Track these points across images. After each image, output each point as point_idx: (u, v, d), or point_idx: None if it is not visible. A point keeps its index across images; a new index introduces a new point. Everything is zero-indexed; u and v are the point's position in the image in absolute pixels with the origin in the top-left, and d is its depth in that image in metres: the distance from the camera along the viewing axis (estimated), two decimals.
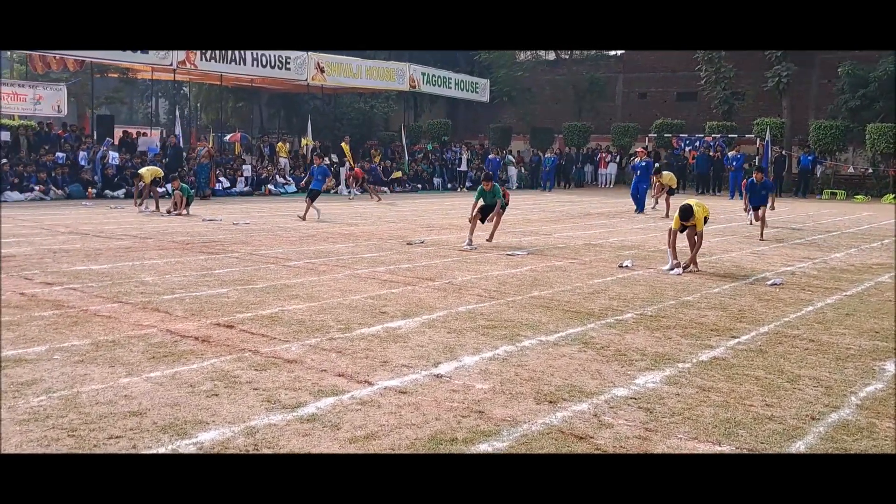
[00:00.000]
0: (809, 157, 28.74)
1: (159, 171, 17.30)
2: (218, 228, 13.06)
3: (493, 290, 7.81)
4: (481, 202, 11.76)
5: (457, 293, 7.62)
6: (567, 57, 39.41)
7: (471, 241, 11.39)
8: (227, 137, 32.05)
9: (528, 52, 41.51)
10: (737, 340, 5.95)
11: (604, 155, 34.34)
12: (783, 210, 20.93)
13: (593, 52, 40.29)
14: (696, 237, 9.48)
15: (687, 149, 31.40)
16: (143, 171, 16.85)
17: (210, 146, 22.54)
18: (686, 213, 9.34)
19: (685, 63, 36.89)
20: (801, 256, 11.11)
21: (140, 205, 16.28)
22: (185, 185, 16.06)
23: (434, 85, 32.32)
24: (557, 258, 10.35)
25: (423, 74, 31.58)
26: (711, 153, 29.78)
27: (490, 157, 32.03)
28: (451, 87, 33.28)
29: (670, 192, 18.57)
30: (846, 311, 7.23)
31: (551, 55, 41.61)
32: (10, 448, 3.48)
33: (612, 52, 42.56)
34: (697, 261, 9.52)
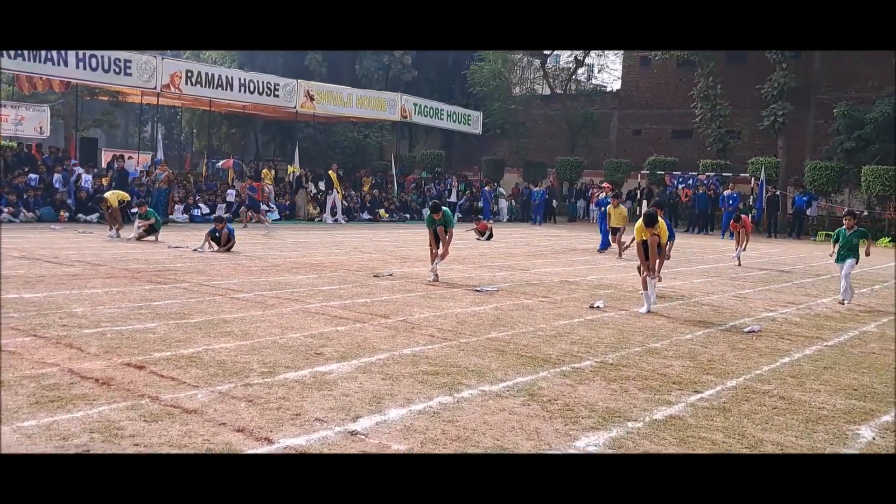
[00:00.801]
0: (804, 198, 28.32)
1: (125, 195, 16.73)
2: (180, 256, 12.54)
3: (449, 330, 7.28)
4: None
5: (408, 332, 7.08)
6: (561, 92, 39.23)
7: (436, 274, 10.89)
8: (220, 163, 31.70)
9: (523, 87, 41.38)
10: (699, 396, 5.41)
11: (595, 191, 33.93)
12: (774, 251, 20.45)
13: (589, 87, 40.19)
14: (659, 249, 9.01)
15: (680, 186, 31.00)
16: (107, 194, 16.32)
17: (169, 172, 21.91)
18: (651, 218, 8.87)
19: (681, 100, 36.69)
20: (786, 301, 10.58)
21: (111, 229, 15.74)
22: (151, 210, 15.51)
23: (426, 116, 32.03)
24: (528, 296, 9.83)
25: (415, 105, 31.31)
26: (705, 191, 29.37)
27: (485, 189, 31.70)
28: (443, 119, 33.00)
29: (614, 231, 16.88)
30: (825, 363, 6.69)
31: (546, 90, 41.45)
32: None
33: (608, 88, 42.48)
34: (662, 274, 9.39)
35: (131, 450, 3.80)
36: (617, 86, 42.21)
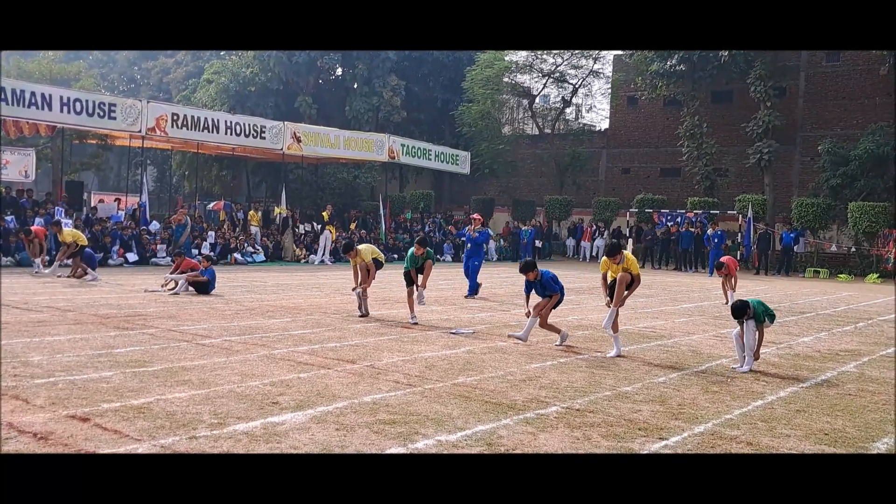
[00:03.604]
0: (791, 235, 28.32)
1: (82, 237, 16.07)
2: (154, 300, 12.36)
3: (415, 376, 7.10)
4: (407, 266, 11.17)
5: (372, 378, 6.91)
6: (550, 132, 39.46)
7: (414, 316, 10.78)
8: (211, 205, 31.68)
9: (512, 126, 41.63)
10: (664, 443, 5.23)
11: (588, 229, 33.90)
12: (761, 288, 20.33)
13: (577, 126, 40.43)
14: (628, 280, 8.71)
15: (668, 224, 31.00)
16: (66, 230, 16.12)
17: (184, 208, 22.32)
18: (614, 248, 8.72)
19: (668, 139, 36.95)
20: (766, 341, 10.38)
21: (37, 261, 15.81)
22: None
23: (414, 156, 32.11)
24: (502, 338, 9.66)
25: (403, 146, 31.41)
26: (692, 229, 29.36)
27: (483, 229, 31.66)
28: (431, 159, 33.08)
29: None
30: (798, 406, 6.52)
31: (534, 129, 41.71)
32: None
33: (597, 127, 42.75)
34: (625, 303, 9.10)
35: None
36: (605, 125, 42.52)
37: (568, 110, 40.20)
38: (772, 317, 8.27)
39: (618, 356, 8.53)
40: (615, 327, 8.71)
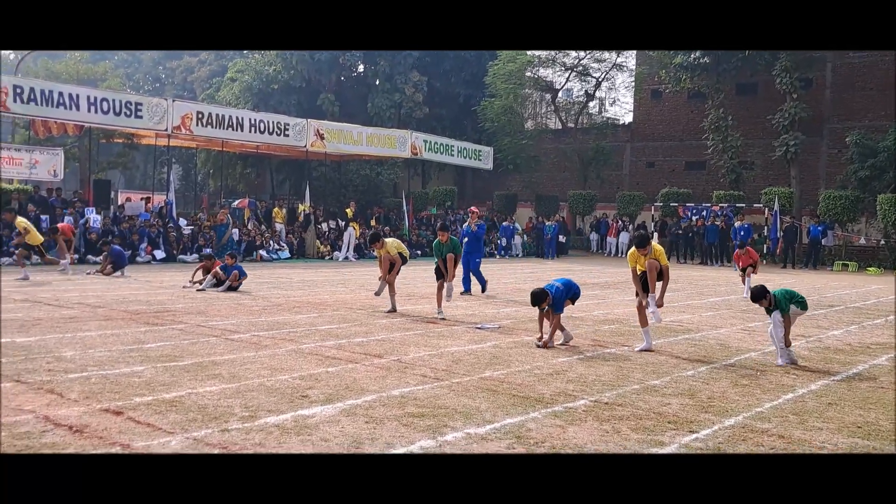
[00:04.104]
0: (819, 228, 27.97)
1: (37, 237, 15.35)
2: (183, 296, 12.49)
3: (442, 370, 7.12)
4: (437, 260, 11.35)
5: (399, 372, 6.93)
6: (573, 126, 39.27)
7: (441, 310, 10.84)
8: (236, 203, 31.93)
9: (535, 121, 41.51)
10: (694, 436, 5.20)
11: (613, 224, 33.70)
12: (788, 282, 20.11)
13: (600, 120, 40.20)
14: (658, 272, 8.61)
15: (693, 218, 30.76)
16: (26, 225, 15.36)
17: (226, 208, 22.80)
18: (643, 239, 8.60)
19: (693, 132, 36.63)
20: (795, 334, 10.29)
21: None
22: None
23: (436, 152, 32.14)
24: (529, 332, 9.65)
25: (426, 142, 31.44)
26: (718, 223, 29.11)
27: (504, 224, 31.67)
28: (453, 155, 33.09)
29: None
30: (830, 399, 6.45)
31: (557, 124, 41.54)
32: None
33: (620, 121, 42.48)
34: (664, 300, 8.78)
35: None
36: (629, 118, 42.25)
37: (591, 104, 40.01)
38: (801, 303, 8.14)
39: (646, 350, 8.49)
40: (643, 321, 8.66)
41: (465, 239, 14.43)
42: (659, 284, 8.63)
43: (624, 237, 32.75)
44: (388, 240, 11.71)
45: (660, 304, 8.66)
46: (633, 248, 8.67)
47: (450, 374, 6.97)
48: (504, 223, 32.03)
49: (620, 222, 33.60)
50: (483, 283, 14.67)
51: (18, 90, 19.48)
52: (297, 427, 5.08)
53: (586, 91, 39.06)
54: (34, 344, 7.68)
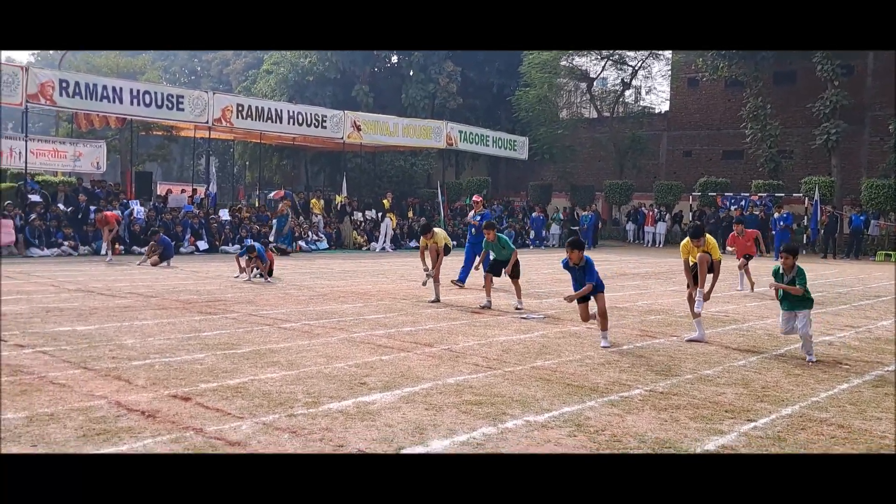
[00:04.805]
0: (861, 217, 27.51)
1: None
2: (231, 286, 12.72)
3: (493, 359, 7.20)
4: (492, 255, 11.32)
5: (452, 361, 7.02)
6: (609, 115, 39.01)
7: (489, 301, 10.88)
8: (272, 195, 32.28)
9: (570, 111, 41.30)
10: (753, 425, 5.22)
11: (650, 213, 33.45)
12: (830, 272, 19.86)
13: (636, 109, 39.87)
14: (709, 268, 8.55)
15: (732, 207, 30.43)
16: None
17: (287, 201, 23.34)
18: (698, 231, 8.54)
19: (731, 121, 36.21)
20: (844, 324, 10.23)
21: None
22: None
23: (472, 142, 32.15)
24: (575, 322, 9.67)
25: (461, 132, 31.47)
26: (757, 212, 28.77)
27: (534, 215, 31.64)
28: (488, 145, 33.08)
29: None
30: (886, 389, 6.41)
31: (593, 113, 41.29)
32: None
33: (657, 110, 42.10)
34: (710, 295, 8.74)
35: None
36: (665, 107, 41.87)
37: (627, 93, 39.69)
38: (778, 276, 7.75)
39: (696, 340, 8.47)
40: (694, 312, 8.64)
41: (474, 230, 13.82)
42: (709, 278, 8.61)
43: (661, 227, 32.52)
44: (437, 230, 11.80)
45: (706, 299, 8.64)
46: (687, 239, 8.64)
47: (501, 363, 7.05)
48: (534, 213, 31.98)
49: (657, 212, 33.33)
50: (463, 276, 13.70)
51: (64, 84, 19.86)
52: (359, 413, 5.19)
53: (622, 80, 38.77)
54: (94, 332, 7.90)
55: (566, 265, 8.40)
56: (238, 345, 7.47)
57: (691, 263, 8.69)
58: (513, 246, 11.36)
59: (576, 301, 8.33)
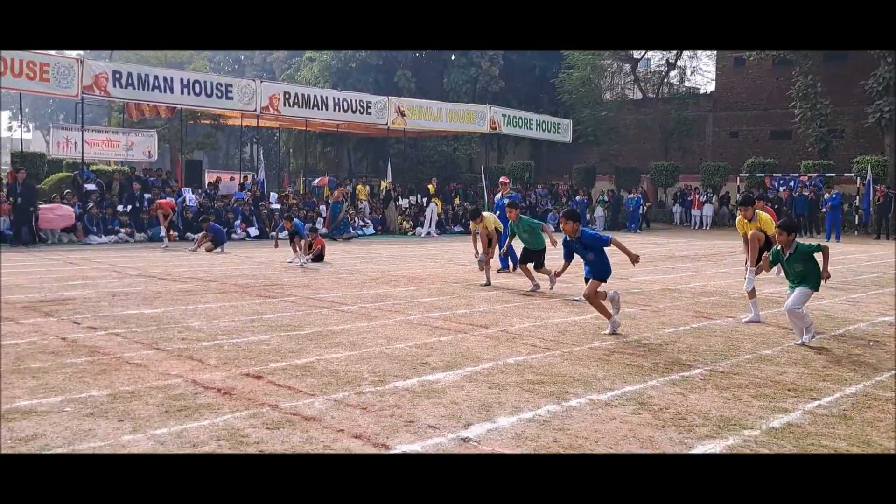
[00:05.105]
0: None
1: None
2: (285, 271, 12.98)
3: (550, 340, 7.28)
4: (519, 242, 11.12)
5: (509, 342, 7.13)
6: (654, 96, 38.55)
7: (536, 284, 10.90)
8: (316, 181, 32.67)
9: (614, 92, 40.92)
10: (817, 403, 5.23)
11: (696, 195, 33.06)
12: (886, 252, 19.47)
13: (682, 90, 39.36)
14: (761, 239, 8.51)
15: (781, 189, 29.94)
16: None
17: (342, 188, 23.79)
18: (746, 199, 8.77)
19: (779, 100, 35.53)
20: None
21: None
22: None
23: (515, 126, 32.09)
24: (628, 304, 9.69)
25: (504, 116, 31.42)
26: (806, 193, 28.26)
27: (578, 198, 31.51)
28: (532, 129, 32.97)
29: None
30: None
31: (637, 94, 40.85)
32: None
33: (703, 90, 41.48)
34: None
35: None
36: (711, 87, 41.27)
37: (672, 73, 39.18)
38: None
39: (753, 321, 8.44)
40: (751, 293, 8.61)
41: (498, 212, 13.26)
42: (766, 255, 8.55)
43: (708, 209, 32.13)
44: (486, 214, 11.88)
45: (758, 272, 8.56)
46: (740, 216, 8.62)
47: (559, 343, 7.12)
48: (577, 197, 31.82)
49: (704, 195, 32.93)
50: (515, 261, 12.90)
51: (117, 75, 20.33)
52: (425, 391, 5.32)
53: (667, 60, 38.28)
54: (161, 315, 8.17)
55: (565, 241, 8.06)
56: (300, 326, 7.66)
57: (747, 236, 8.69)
58: (542, 234, 10.96)
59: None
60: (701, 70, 67.54)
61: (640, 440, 4.39)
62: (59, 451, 3.96)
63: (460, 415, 4.79)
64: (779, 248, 7.35)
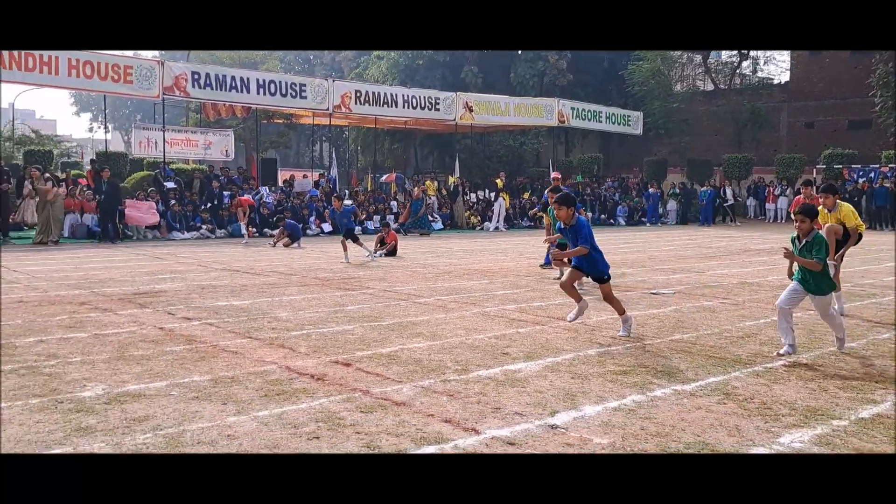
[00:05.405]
0: None
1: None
2: (360, 265, 13.28)
3: (631, 333, 7.30)
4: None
5: (588, 334, 7.19)
6: (726, 87, 37.75)
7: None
8: (384, 178, 33.13)
9: (685, 83, 40.21)
10: None
11: (771, 188, 32.25)
12: None
13: (755, 80, 38.43)
14: (838, 232, 8.37)
15: (860, 180, 28.98)
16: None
17: (421, 185, 24.18)
18: (827, 188, 8.52)
19: (857, 89, 34.38)
20: None
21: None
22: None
23: (584, 119, 31.89)
24: (707, 298, 9.63)
25: (573, 109, 31.26)
26: (887, 184, 27.29)
27: (650, 191, 31.13)
28: (602, 121, 32.71)
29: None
30: None
31: (709, 86, 40.05)
32: None
33: (777, 80, 40.43)
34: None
35: (353, 439, 4.16)
36: (785, 78, 40.18)
37: (745, 64, 38.27)
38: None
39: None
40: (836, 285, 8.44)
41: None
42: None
43: (783, 202, 31.31)
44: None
45: (833, 260, 8.36)
46: (820, 205, 8.47)
47: (639, 336, 7.15)
48: (650, 190, 31.42)
49: (779, 187, 32.09)
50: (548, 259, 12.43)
51: (196, 76, 21.04)
52: (508, 380, 5.45)
53: (739, 51, 37.40)
54: (250, 306, 8.51)
55: (559, 229, 7.56)
56: (380, 318, 7.88)
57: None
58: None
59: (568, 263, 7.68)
60: (774, 60, 65.60)
61: (727, 429, 4.43)
62: (169, 430, 4.24)
63: (545, 403, 4.90)
64: (795, 234, 6.53)
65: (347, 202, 17.05)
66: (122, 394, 4.95)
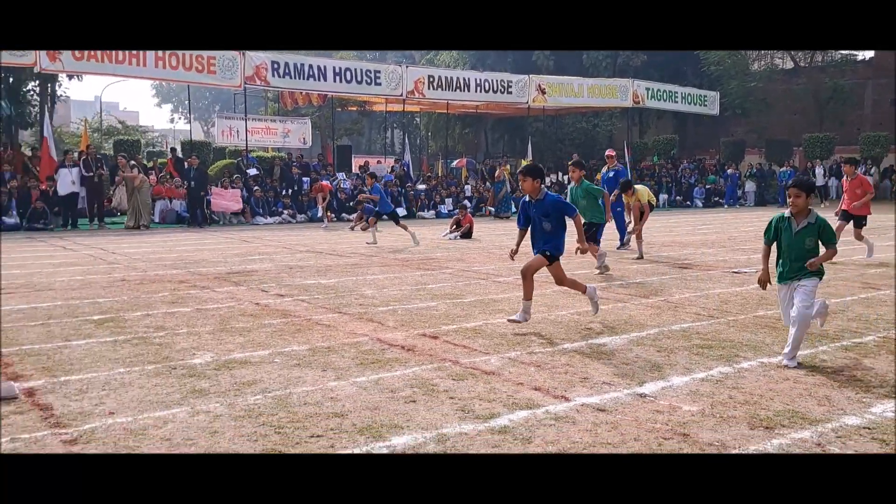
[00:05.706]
0: None
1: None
2: (437, 246, 13.52)
3: (713, 309, 7.32)
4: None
5: (672, 311, 7.23)
6: (806, 64, 36.55)
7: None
8: (454, 163, 33.35)
9: (763, 62, 39.10)
10: None
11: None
12: None
13: (837, 57, 37.09)
14: None
15: None
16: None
17: (503, 168, 24.52)
18: None
19: None
20: None
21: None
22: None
23: (660, 100, 31.39)
24: None
25: (648, 90, 30.79)
26: None
27: (728, 172, 30.51)
28: (677, 102, 32.13)
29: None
30: None
31: (789, 63, 38.83)
32: (224, 441, 3.76)
33: (861, 57, 38.92)
34: None
35: (447, 403, 4.36)
36: (870, 54, 38.57)
37: None
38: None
39: None
40: None
41: (606, 188, 12.22)
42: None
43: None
44: (638, 187, 11.89)
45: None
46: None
47: (722, 312, 7.16)
48: (728, 171, 30.75)
49: (863, 167, 30.92)
50: (621, 234, 12.62)
51: (276, 65, 21.60)
52: (594, 353, 5.57)
53: (739, 50, 36.13)
54: (337, 284, 8.82)
55: (522, 203, 6.78)
56: (462, 295, 8.08)
57: None
58: (602, 205, 10.00)
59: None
60: None
61: (817, 398, 4.46)
62: (277, 393, 4.52)
63: (633, 374, 5.00)
64: (787, 213, 5.38)
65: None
66: (229, 361, 5.27)
